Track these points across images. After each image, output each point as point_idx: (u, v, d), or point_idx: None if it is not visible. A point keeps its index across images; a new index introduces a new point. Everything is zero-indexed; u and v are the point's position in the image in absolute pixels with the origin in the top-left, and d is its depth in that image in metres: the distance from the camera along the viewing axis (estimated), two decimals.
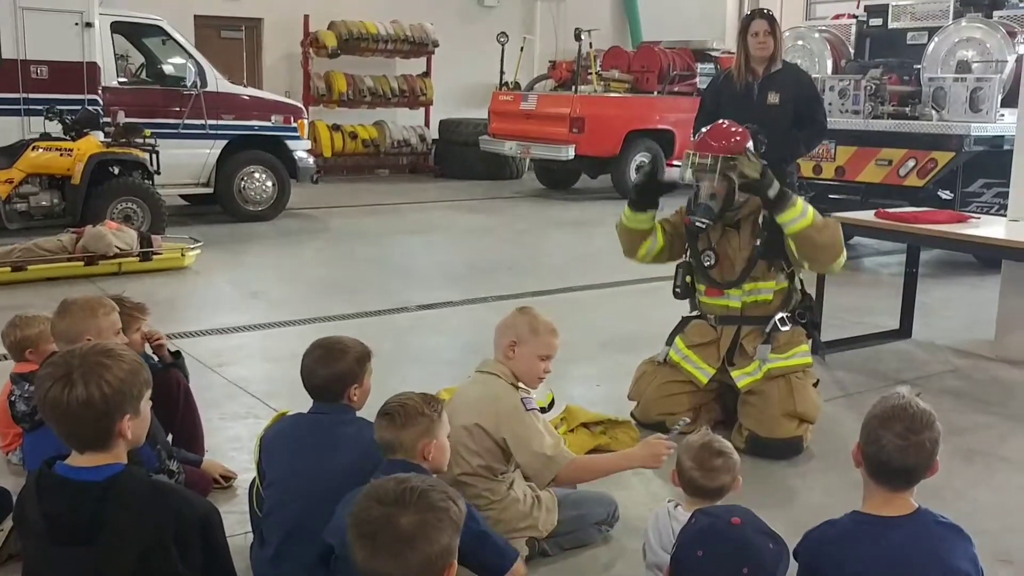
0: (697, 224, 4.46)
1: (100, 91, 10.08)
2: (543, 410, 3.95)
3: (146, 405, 2.24)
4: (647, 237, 4.66)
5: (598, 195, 14.48)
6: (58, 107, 9.35)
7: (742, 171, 4.27)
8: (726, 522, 2.07)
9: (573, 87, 14.44)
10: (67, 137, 9.20)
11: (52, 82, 9.79)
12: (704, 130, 4.50)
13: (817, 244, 4.31)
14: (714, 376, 4.60)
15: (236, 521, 3.42)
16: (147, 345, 3.91)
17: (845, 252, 4.39)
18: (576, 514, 3.47)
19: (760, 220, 4.45)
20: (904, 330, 6.56)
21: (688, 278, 4.67)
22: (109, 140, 9.34)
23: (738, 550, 2.02)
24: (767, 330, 4.50)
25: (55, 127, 9.32)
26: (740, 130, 4.43)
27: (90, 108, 9.68)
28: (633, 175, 14.12)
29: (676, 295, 4.72)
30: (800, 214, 4.27)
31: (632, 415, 4.70)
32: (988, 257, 7.78)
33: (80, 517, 2.06)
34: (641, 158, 14.13)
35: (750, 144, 4.41)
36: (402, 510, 1.84)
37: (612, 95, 14.70)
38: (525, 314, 3.41)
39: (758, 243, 4.44)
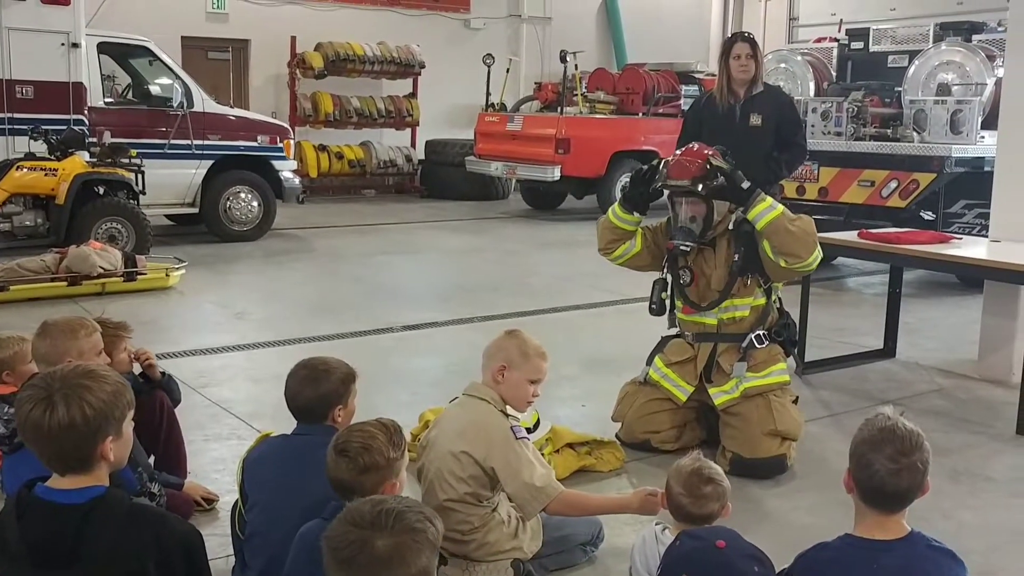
0: (681, 248, 4.49)
1: (86, 111, 10.08)
2: (528, 431, 3.95)
3: (128, 427, 2.21)
4: (628, 239, 4.70)
5: (584, 216, 14.50)
6: (43, 127, 9.34)
7: (712, 163, 4.32)
8: (711, 545, 2.06)
9: (559, 108, 14.52)
10: (52, 157, 9.17)
11: (37, 102, 9.78)
12: (677, 154, 4.53)
13: (792, 233, 4.28)
14: (693, 394, 4.61)
15: (218, 544, 3.39)
16: (136, 364, 3.88)
17: (819, 247, 4.38)
18: (561, 535, 3.45)
19: (735, 235, 4.48)
20: (888, 350, 6.59)
21: (664, 295, 4.69)
22: (94, 160, 9.32)
23: (723, 574, 2.01)
24: (743, 346, 4.52)
25: (40, 147, 9.30)
26: (711, 151, 4.47)
27: (75, 128, 9.67)
28: (619, 196, 14.15)
29: (652, 311, 4.74)
30: (770, 207, 4.32)
31: (617, 435, 4.70)
32: (970, 277, 7.83)
33: (60, 540, 2.03)
34: (625, 179, 14.16)
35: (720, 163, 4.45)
36: (378, 533, 1.82)
37: (597, 116, 14.76)
38: (515, 337, 3.38)
39: (736, 258, 4.46)
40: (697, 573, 2.01)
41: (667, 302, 4.71)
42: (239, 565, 3.07)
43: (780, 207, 4.34)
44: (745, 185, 4.34)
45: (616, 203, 4.74)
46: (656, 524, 2.91)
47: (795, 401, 4.56)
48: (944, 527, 3.65)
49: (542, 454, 4.15)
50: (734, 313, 4.54)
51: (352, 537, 1.82)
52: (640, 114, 14.97)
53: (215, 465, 4.28)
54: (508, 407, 3.35)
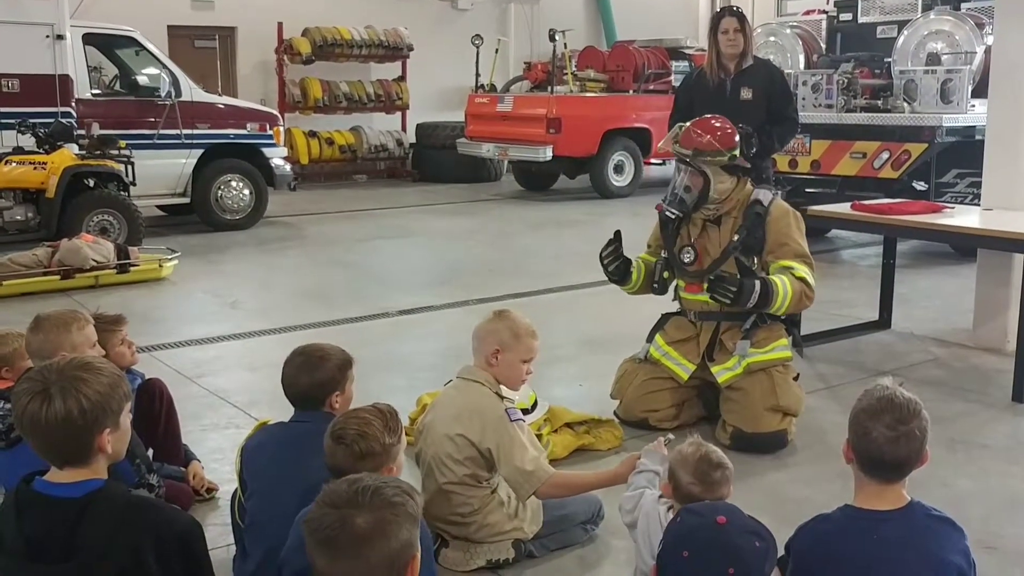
0: (667, 213, 4.53)
1: (73, 103, 10.01)
2: (525, 411, 3.96)
3: (126, 419, 2.21)
4: (641, 283, 4.77)
5: (577, 195, 14.50)
6: (31, 120, 9.28)
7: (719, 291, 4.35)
8: (711, 522, 2.05)
9: (549, 88, 14.46)
10: (40, 150, 9.13)
11: (24, 95, 9.71)
12: (691, 122, 4.54)
13: (800, 307, 4.50)
14: (694, 372, 4.61)
15: (218, 533, 3.40)
16: (135, 355, 3.89)
17: (814, 288, 4.47)
18: (561, 514, 3.46)
19: (743, 215, 4.48)
20: (883, 321, 6.60)
21: (666, 274, 4.69)
22: (83, 152, 9.28)
23: (724, 551, 2.00)
24: (746, 327, 4.52)
25: (28, 140, 9.25)
26: (726, 128, 4.46)
27: (63, 120, 9.61)
28: (612, 174, 14.15)
29: (654, 290, 4.75)
30: (783, 299, 4.34)
31: (615, 413, 4.71)
32: (964, 246, 7.85)
33: (58, 534, 2.03)
34: (619, 157, 14.15)
35: (737, 140, 4.44)
36: (357, 511, 1.81)
37: (588, 95, 14.72)
38: (505, 319, 3.38)
39: (735, 238, 4.46)
40: (698, 550, 2.01)
41: (669, 281, 4.72)
42: (240, 554, 3.07)
43: (790, 291, 4.34)
44: (752, 303, 4.33)
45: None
46: (660, 498, 2.89)
47: (796, 378, 4.57)
48: (942, 495, 3.66)
49: (540, 434, 4.18)
50: None
51: (331, 518, 1.81)
52: (631, 91, 14.93)
53: (213, 455, 4.27)
54: (503, 388, 3.36)
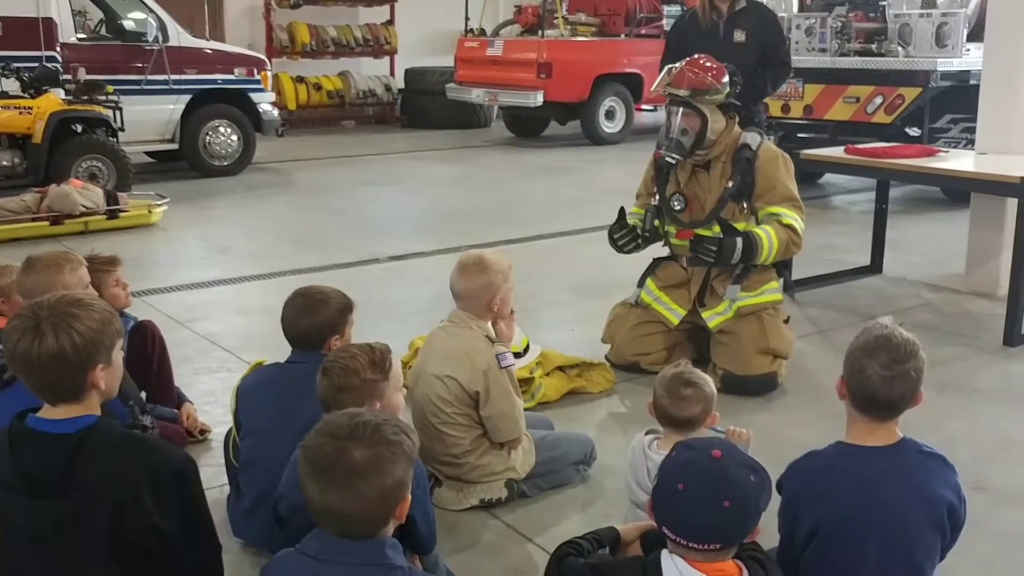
0: (667, 159, 4.46)
1: (58, 48, 9.85)
2: (518, 355, 3.97)
3: (118, 356, 2.20)
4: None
5: (568, 142, 14.40)
6: (14, 64, 9.14)
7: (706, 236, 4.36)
8: (707, 455, 2.06)
9: (539, 32, 14.30)
10: (26, 95, 9.00)
11: (6, 39, 9.54)
12: (681, 63, 4.48)
13: (787, 255, 4.53)
14: (685, 317, 4.62)
15: (212, 475, 3.40)
16: (128, 296, 3.87)
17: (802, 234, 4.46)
18: (554, 455, 3.49)
19: (732, 160, 4.45)
20: (875, 266, 6.61)
21: (656, 222, 4.66)
22: (70, 98, 9.15)
23: (719, 483, 2.01)
24: (737, 272, 4.51)
25: (13, 85, 9.11)
26: (716, 66, 4.42)
27: (48, 65, 9.46)
28: (603, 120, 14.03)
29: (644, 238, 4.71)
30: (768, 251, 4.35)
31: (606, 357, 4.72)
32: (956, 191, 7.83)
33: (53, 469, 2.03)
34: (611, 103, 14.03)
35: (725, 79, 4.40)
36: (356, 444, 1.84)
37: (579, 39, 14.54)
38: (489, 268, 3.37)
39: (730, 184, 4.43)
40: (693, 483, 2.01)
41: (660, 229, 4.69)
42: (234, 494, 3.08)
43: (775, 243, 4.34)
44: (735, 259, 4.33)
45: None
46: (647, 434, 2.93)
47: (786, 321, 4.58)
48: (933, 438, 3.62)
49: (532, 377, 4.19)
50: None
51: (330, 448, 1.85)
52: (622, 35, 14.76)
53: (206, 397, 4.27)
54: (493, 329, 3.40)
